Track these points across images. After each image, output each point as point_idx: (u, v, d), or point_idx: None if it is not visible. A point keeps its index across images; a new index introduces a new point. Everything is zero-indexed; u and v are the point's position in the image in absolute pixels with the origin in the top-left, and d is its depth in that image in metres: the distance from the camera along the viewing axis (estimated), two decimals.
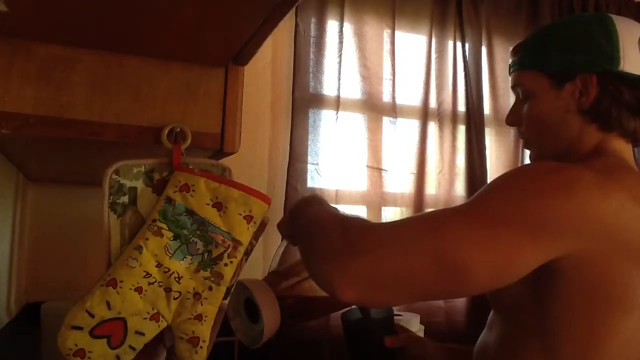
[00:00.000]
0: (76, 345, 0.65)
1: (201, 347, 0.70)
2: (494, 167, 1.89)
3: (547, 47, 0.83)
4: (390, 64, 1.77)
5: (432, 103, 1.81)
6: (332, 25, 1.71)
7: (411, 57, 1.82)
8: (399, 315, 1.43)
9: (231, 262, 0.72)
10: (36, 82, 0.70)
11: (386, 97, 1.76)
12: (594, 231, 0.66)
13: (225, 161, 0.80)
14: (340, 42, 1.71)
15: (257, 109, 1.66)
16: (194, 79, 0.78)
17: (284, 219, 0.85)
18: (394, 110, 1.76)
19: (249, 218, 0.73)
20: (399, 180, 1.76)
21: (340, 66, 1.70)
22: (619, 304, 0.68)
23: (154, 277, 0.69)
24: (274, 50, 1.68)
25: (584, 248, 0.66)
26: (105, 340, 0.66)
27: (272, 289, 0.80)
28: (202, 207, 0.72)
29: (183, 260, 0.71)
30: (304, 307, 0.85)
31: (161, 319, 0.70)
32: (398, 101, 1.77)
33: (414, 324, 1.39)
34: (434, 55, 1.82)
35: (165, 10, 0.62)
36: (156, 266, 0.70)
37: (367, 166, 1.73)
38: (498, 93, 1.90)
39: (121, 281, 0.68)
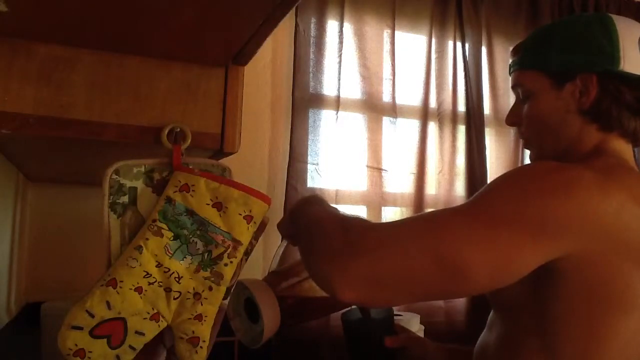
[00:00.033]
0: (76, 345, 0.65)
1: (201, 347, 0.70)
2: (494, 167, 1.89)
3: (547, 47, 0.83)
4: (390, 64, 1.77)
5: (432, 103, 1.81)
6: (332, 25, 1.71)
7: (411, 57, 1.82)
8: (399, 315, 1.43)
9: (231, 262, 0.72)
10: (36, 82, 0.70)
11: (386, 97, 1.76)
12: (594, 231, 0.66)
13: (225, 161, 0.80)
14: (340, 42, 1.71)
15: (257, 109, 1.66)
16: (194, 79, 0.78)
17: (284, 219, 0.85)
18: (394, 110, 1.76)
19: (249, 218, 0.73)
20: (399, 180, 1.76)
21: (340, 66, 1.70)
22: (619, 304, 0.68)
23: (154, 277, 0.69)
24: (274, 50, 1.68)
25: (584, 248, 0.66)
26: (105, 340, 0.66)
27: (272, 289, 0.80)
28: (202, 207, 0.72)
29: (183, 260, 0.71)
30: (304, 307, 0.85)
31: (161, 319, 0.70)
32: (398, 101, 1.77)
33: (414, 324, 1.39)
34: (434, 55, 1.82)
35: (165, 10, 0.62)
36: (156, 266, 0.70)
37: (367, 166, 1.73)
38: (498, 93, 1.90)
39: (121, 281, 0.68)
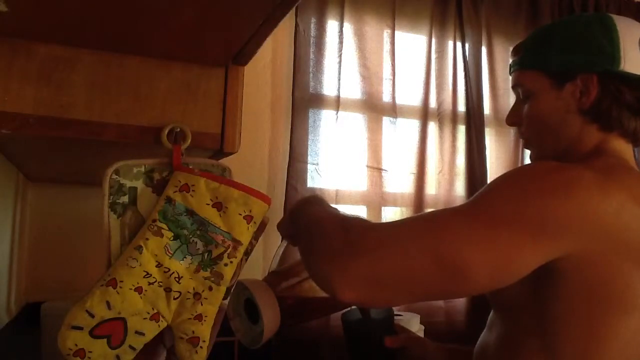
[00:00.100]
0: (76, 345, 0.65)
1: (201, 347, 0.70)
2: (494, 167, 1.89)
3: (547, 47, 0.83)
4: (390, 64, 1.77)
5: (432, 103, 1.81)
6: (332, 25, 1.71)
7: (411, 57, 1.82)
8: (399, 315, 1.43)
9: (231, 262, 0.72)
10: (36, 82, 0.70)
11: (386, 97, 1.76)
12: (594, 231, 0.66)
13: (225, 161, 0.80)
14: (340, 42, 1.71)
15: (257, 109, 1.66)
16: (194, 79, 0.78)
17: (284, 219, 0.85)
18: (394, 110, 1.76)
19: (249, 218, 0.73)
20: (399, 180, 1.76)
21: (340, 66, 1.70)
22: (619, 304, 0.68)
23: (154, 277, 0.69)
24: (274, 50, 1.68)
25: (584, 248, 0.66)
26: (105, 340, 0.66)
27: (272, 289, 0.80)
28: (202, 207, 0.72)
29: (183, 260, 0.71)
30: (304, 308, 0.85)
31: (161, 319, 0.70)
32: (398, 101, 1.77)
33: (414, 324, 1.39)
34: (434, 55, 1.82)
35: (165, 10, 0.62)
36: (156, 266, 0.70)
37: (367, 166, 1.73)
38: (498, 93, 1.90)
39: (121, 281, 0.68)
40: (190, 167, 0.74)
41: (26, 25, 0.66)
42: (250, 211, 0.73)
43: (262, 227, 0.76)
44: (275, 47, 1.69)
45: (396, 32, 1.78)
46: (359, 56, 1.73)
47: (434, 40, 1.82)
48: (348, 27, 1.73)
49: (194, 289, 0.71)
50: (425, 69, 1.81)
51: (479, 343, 0.85)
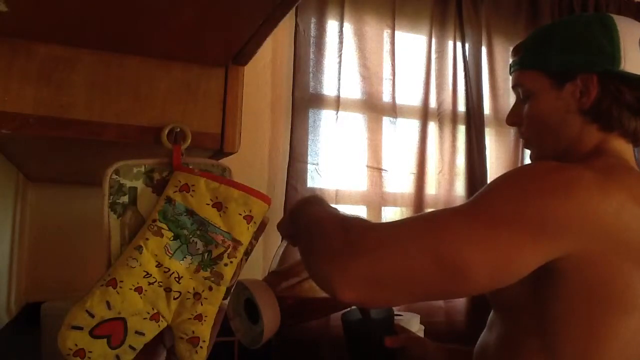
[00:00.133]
0: (76, 345, 0.65)
1: (201, 347, 0.70)
2: (494, 167, 1.89)
3: (547, 47, 0.83)
4: (390, 64, 1.77)
5: (432, 103, 1.81)
6: (332, 25, 1.71)
7: (411, 57, 1.82)
8: (399, 315, 1.43)
9: (231, 262, 0.72)
10: (36, 82, 0.70)
11: (386, 97, 1.76)
12: (594, 231, 0.66)
13: (225, 161, 0.80)
14: (340, 42, 1.71)
15: (257, 109, 1.66)
16: (194, 79, 0.78)
17: (284, 219, 0.85)
18: (394, 110, 1.76)
19: (249, 218, 0.73)
20: (399, 180, 1.76)
21: (340, 66, 1.70)
22: (619, 304, 0.68)
23: (154, 277, 0.69)
24: (274, 50, 1.68)
25: (584, 248, 0.66)
26: (105, 340, 0.66)
27: (272, 289, 0.80)
28: (202, 207, 0.72)
29: (183, 260, 0.71)
30: (304, 308, 0.85)
31: (161, 319, 0.70)
32: (398, 101, 1.77)
33: (414, 324, 1.39)
34: (434, 55, 1.82)
35: (165, 10, 0.62)
36: (156, 266, 0.70)
37: (367, 166, 1.73)
38: (498, 93, 1.90)
39: (121, 281, 0.68)
40: (190, 167, 0.74)
41: (26, 25, 0.66)
42: (250, 211, 0.73)
43: (262, 227, 0.76)
44: (275, 47, 1.69)
45: (396, 32, 1.78)
46: (359, 56, 1.73)
47: (434, 40, 1.82)
48: (348, 27, 1.73)
49: (194, 289, 0.71)
50: (425, 69, 1.81)
51: (479, 343, 0.85)
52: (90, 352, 0.66)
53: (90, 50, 0.73)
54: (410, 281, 0.63)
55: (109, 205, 0.72)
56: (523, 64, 0.86)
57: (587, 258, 0.66)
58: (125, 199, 0.72)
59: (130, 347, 0.68)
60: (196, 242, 0.71)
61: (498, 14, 1.91)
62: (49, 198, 1.42)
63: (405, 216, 1.74)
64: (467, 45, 1.86)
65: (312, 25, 1.68)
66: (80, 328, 0.66)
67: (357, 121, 1.73)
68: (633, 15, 1.95)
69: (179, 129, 0.75)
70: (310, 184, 1.66)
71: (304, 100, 1.66)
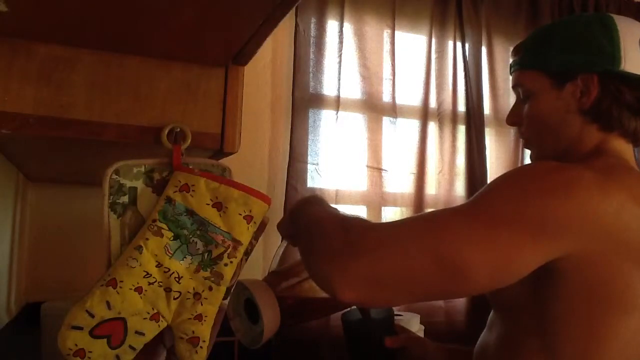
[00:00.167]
0: (76, 345, 0.65)
1: (201, 347, 0.70)
2: (494, 167, 1.89)
3: (547, 47, 0.83)
4: (390, 64, 1.77)
5: (432, 103, 1.81)
6: (332, 25, 1.71)
7: (411, 57, 1.82)
8: (399, 315, 1.43)
9: (231, 262, 0.72)
10: (36, 82, 0.70)
11: (386, 97, 1.76)
12: (594, 231, 0.66)
13: (225, 161, 0.80)
14: (340, 42, 1.71)
15: (257, 109, 1.66)
16: (194, 79, 0.78)
17: (284, 219, 0.85)
18: (394, 110, 1.76)
19: (249, 218, 0.73)
20: (399, 180, 1.76)
21: (340, 66, 1.70)
22: (619, 304, 0.68)
23: (154, 277, 0.69)
24: (274, 50, 1.68)
25: (584, 248, 0.66)
26: (105, 340, 0.66)
27: (272, 289, 0.80)
28: (202, 207, 0.72)
29: (183, 260, 0.71)
30: (304, 308, 0.85)
31: (161, 319, 0.70)
32: (398, 101, 1.77)
33: (414, 324, 1.39)
34: (434, 55, 1.82)
35: (165, 10, 0.62)
36: (156, 266, 0.70)
37: (367, 166, 1.73)
38: (498, 93, 1.90)
39: (121, 281, 0.68)
40: (190, 167, 0.74)
41: (26, 25, 0.66)
42: (250, 211, 0.73)
43: (262, 227, 0.76)
44: (275, 47, 1.69)
45: (396, 32, 1.78)
46: (359, 56, 1.73)
47: (434, 40, 1.82)
48: (348, 27, 1.73)
49: (194, 289, 0.71)
50: (425, 69, 1.81)
51: (479, 343, 0.85)
52: (90, 352, 0.66)
53: (90, 50, 0.72)
54: (410, 281, 0.63)
55: (109, 205, 0.72)
56: (523, 64, 0.86)
57: (587, 258, 0.66)
58: (125, 199, 0.72)
59: (130, 347, 0.68)
60: (196, 242, 0.71)
61: (498, 14, 1.91)
62: (49, 198, 1.42)
63: (405, 216, 1.74)
64: (467, 45, 1.86)
65: (312, 25, 1.68)
66: (80, 328, 0.66)
67: (357, 121, 1.73)
68: (633, 15, 1.95)
69: (179, 129, 0.75)
70: (310, 184, 1.66)
71: (304, 100, 1.66)
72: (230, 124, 0.80)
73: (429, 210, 1.73)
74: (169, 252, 0.71)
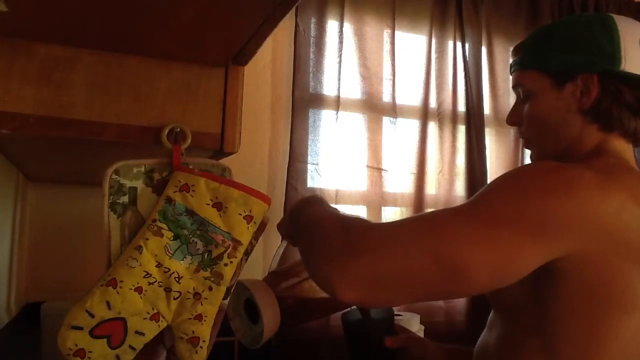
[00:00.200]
0: (76, 345, 0.65)
1: (201, 347, 0.70)
2: (494, 167, 1.89)
3: (547, 47, 0.83)
4: (390, 64, 1.77)
5: (432, 103, 1.81)
6: (332, 25, 1.71)
7: (411, 57, 1.82)
8: (399, 315, 1.43)
9: (231, 262, 0.72)
10: (36, 82, 0.70)
11: (386, 97, 1.76)
12: (594, 231, 0.66)
13: (225, 161, 0.80)
14: (340, 42, 1.71)
15: (257, 109, 1.66)
16: (194, 79, 0.78)
17: (284, 219, 0.85)
18: (394, 110, 1.76)
19: (249, 218, 0.73)
20: (399, 180, 1.76)
21: (340, 66, 1.70)
22: (619, 304, 0.68)
23: (154, 277, 0.69)
24: (274, 50, 1.68)
25: (584, 248, 0.66)
26: (105, 340, 0.66)
27: (272, 289, 0.80)
28: (202, 207, 0.72)
29: (183, 260, 0.71)
30: (304, 308, 0.85)
31: (161, 319, 0.70)
32: (398, 101, 1.77)
33: (414, 324, 1.39)
34: (434, 55, 1.82)
35: (165, 10, 0.62)
36: (156, 266, 0.70)
37: (367, 166, 1.73)
38: (498, 93, 1.90)
39: (121, 281, 0.68)
40: (190, 167, 0.74)
41: (26, 25, 0.66)
42: (250, 211, 0.73)
43: (262, 227, 0.76)
44: (275, 47, 1.69)
45: (396, 32, 1.78)
46: (359, 56, 1.73)
47: (434, 40, 1.82)
48: (348, 27, 1.73)
49: (194, 289, 0.71)
50: (425, 69, 1.81)
51: (479, 343, 0.85)
52: (90, 352, 0.66)
53: (90, 50, 0.72)
54: (410, 281, 0.63)
55: (109, 205, 0.72)
56: (523, 64, 0.86)
57: (587, 258, 0.66)
58: (125, 199, 0.72)
59: (130, 347, 0.68)
60: (196, 242, 0.71)
61: (498, 14, 1.91)
62: (49, 198, 1.42)
63: (405, 216, 1.74)
64: (467, 45, 1.86)
65: (312, 25, 1.68)
66: (80, 328, 0.66)
67: (357, 121, 1.73)
68: (633, 15, 1.95)
69: (179, 129, 0.75)
70: (310, 184, 1.66)
71: (304, 100, 1.66)
72: (230, 124, 0.80)
73: (429, 210, 1.74)
74: (169, 252, 0.71)
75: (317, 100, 1.68)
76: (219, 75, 0.80)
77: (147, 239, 0.70)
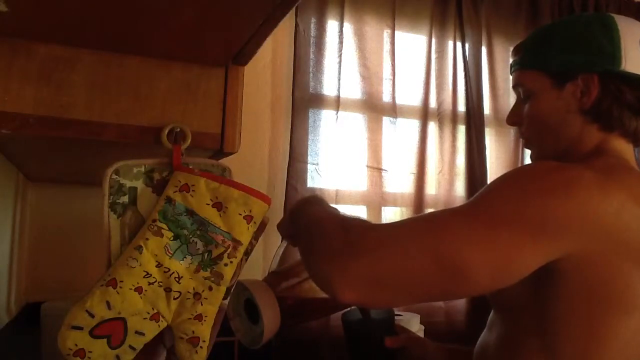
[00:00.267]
0: (76, 345, 0.65)
1: (201, 347, 0.70)
2: (494, 167, 1.89)
3: (547, 47, 0.83)
4: (390, 64, 1.77)
5: (432, 103, 1.81)
6: (332, 25, 1.71)
7: (411, 57, 1.82)
8: (399, 315, 1.43)
9: (231, 262, 0.72)
10: (36, 82, 0.70)
11: (386, 97, 1.76)
12: (594, 231, 0.66)
13: (225, 161, 0.80)
14: (340, 42, 1.71)
15: (257, 109, 1.66)
16: (194, 79, 0.78)
17: (284, 219, 0.85)
18: (394, 110, 1.76)
19: (249, 218, 0.73)
20: (399, 180, 1.76)
21: (340, 66, 1.70)
22: (619, 304, 0.68)
23: (154, 277, 0.69)
24: (274, 50, 1.68)
25: (584, 248, 0.66)
26: (105, 340, 0.66)
27: (272, 289, 0.80)
28: (202, 207, 0.72)
29: (183, 260, 0.71)
30: (304, 308, 0.85)
31: (161, 319, 0.70)
32: (398, 101, 1.77)
33: (414, 324, 1.39)
34: (434, 55, 1.82)
35: (165, 10, 0.62)
36: (156, 266, 0.70)
37: (367, 166, 1.73)
38: (498, 93, 1.90)
39: (121, 281, 0.68)
40: (190, 167, 0.74)
41: (26, 25, 0.66)
42: (250, 211, 0.73)
43: (262, 227, 0.76)
44: (275, 47, 1.69)
45: (396, 32, 1.78)
46: (359, 56, 1.73)
47: (434, 40, 1.82)
48: (348, 27, 1.73)
49: (194, 289, 0.71)
50: (425, 69, 1.81)
51: (479, 343, 0.85)
52: (90, 352, 0.66)
53: (90, 50, 0.72)
54: (410, 282, 0.63)
55: (109, 205, 0.72)
56: (523, 64, 0.86)
57: (587, 258, 0.66)
58: (125, 199, 0.72)
59: (130, 347, 0.68)
60: (196, 242, 0.71)
61: (498, 14, 1.91)
62: (49, 198, 1.42)
63: (405, 216, 1.75)
64: (467, 45, 1.86)
65: (312, 25, 1.68)
66: (80, 328, 0.66)
67: (357, 121, 1.73)
68: (633, 15, 1.95)
69: (179, 129, 0.75)
70: (310, 184, 1.66)
71: (304, 100, 1.66)
72: (230, 124, 0.80)
73: (429, 210, 1.74)
74: (169, 252, 0.71)
75: (317, 100, 1.68)
76: (219, 75, 0.80)
77: (147, 239, 0.70)
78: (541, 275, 0.67)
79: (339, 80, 1.69)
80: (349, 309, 0.95)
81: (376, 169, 1.73)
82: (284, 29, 1.67)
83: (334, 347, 1.58)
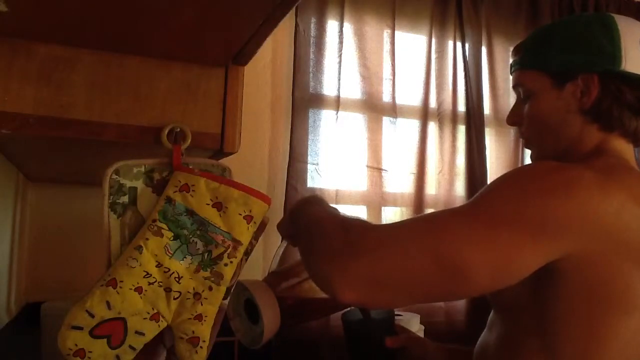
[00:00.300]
0: (76, 345, 0.65)
1: (201, 347, 0.70)
2: (494, 167, 1.89)
3: (547, 47, 0.83)
4: (390, 64, 1.77)
5: (432, 103, 1.81)
6: (332, 25, 1.71)
7: (411, 57, 1.82)
8: (399, 315, 1.43)
9: (231, 262, 0.72)
10: (36, 82, 0.70)
11: (386, 97, 1.76)
12: (594, 231, 0.66)
13: (225, 161, 0.80)
14: (340, 42, 1.71)
15: (257, 109, 1.66)
16: (194, 79, 0.78)
17: (284, 219, 0.85)
18: (394, 110, 1.76)
19: (249, 218, 0.73)
20: (399, 180, 1.76)
21: (340, 66, 1.70)
22: (619, 304, 0.68)
23: (154, 277, 0.69)
24: (274, 50, 1.68)
25: (584, 248, 0.66)
26: (105, 340, 0.66)
27: (272, 289, 0.80)
28: (202, 207, 0.72)
29: (183, 260, 0.71)
30: (304, 308, 0.85)
31: (161, 319, 0.70)
32: (398, 101, 1.77)
33: (414, 324, 1.39)
34: (434, 55, 1.82)
35: (165, 10, 0.62)
36: (156, 266, 0.70)
37: (367, 166, 1.73)
38: (498, 93, 1.90)
39: (121, 281, 0.68)
40: (190, 167, 0.74)
41: (26, 25, 0.66)
42: (250, 211, 0.73)
43: (262, 227, 0.76)
44: (275, 47, 1.69)
45: (396, 32, 1.78)
46: (359, 56, 1.73)
47: (434, 40, 1.82)
48: (348, 27, 1.73)
49: (194, 289, 0.71)
50: (425, 69, 1.81)
51: (479, 343, 0.85)
52: (90, 352, 0.66)
53: (90, 50, 0.72)
54: (410, 282, 0.63)
55: (109, 205, 0.72)
56: (523, 64, 0.86)
57: (587, 258, 0.66)
58: (125, 199, 0.72)
59: (130, 347, 0.68)
60: (196, 242, 0.71)
61: (498, 14, 1.91)
62: (49, 198, 1.42)
63: (405, 216, 1.75)
64: (467, 45, 1.86)
65: (312, 25, 1.68)
66: (80, 328, 0.66)
67: (357, 121, 1.73)
68: (633, 15, 1.95)
69: (179, 129, 0.75)
70: (310, 184, 1.66)
71: (304, 100, 1.66)
72: (230, 124, 0.80)
73: (429, 210, 1.74)
74: (169, 252, 0.71)
75: (317, 100, 1.68)
76: (219, 75, 0.80)
77: (147, 239, 0.70)
78: (541, 276, 0.67)
79: (339, 80, 1.69)
80: (349, 309, 0.95)
81: (376, 169, 1.73)
82: (284, 29, 1.67)
83: (334, 347, 1.58)
